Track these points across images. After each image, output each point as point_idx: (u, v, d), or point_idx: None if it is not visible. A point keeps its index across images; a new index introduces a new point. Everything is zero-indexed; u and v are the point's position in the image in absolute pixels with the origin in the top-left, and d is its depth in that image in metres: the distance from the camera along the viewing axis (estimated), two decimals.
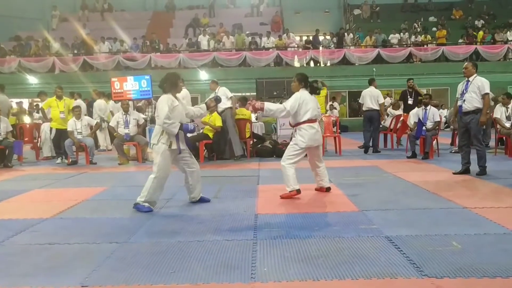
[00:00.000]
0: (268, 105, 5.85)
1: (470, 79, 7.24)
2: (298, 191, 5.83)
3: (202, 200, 5.75)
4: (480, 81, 7.14)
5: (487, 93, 7.11)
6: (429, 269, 3.25)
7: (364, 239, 4.02)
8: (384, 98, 14.82)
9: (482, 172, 7.27)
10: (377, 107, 10.95)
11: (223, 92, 10.10)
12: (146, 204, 5.34)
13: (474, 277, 3.12)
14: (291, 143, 6.05)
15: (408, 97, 11.92)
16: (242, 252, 3.74)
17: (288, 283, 3.12)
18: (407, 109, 11.62)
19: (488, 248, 3.69)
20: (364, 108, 11.14)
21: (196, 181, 5.66)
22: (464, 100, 7.20)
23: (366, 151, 10.96)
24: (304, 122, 5.78)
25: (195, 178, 5.65)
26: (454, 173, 7.49)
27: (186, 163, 5.58)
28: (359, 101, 11.51)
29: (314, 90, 6.04)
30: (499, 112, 9.82)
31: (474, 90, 7.11)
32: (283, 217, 4.93)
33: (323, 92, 11.38)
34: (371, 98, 10.95)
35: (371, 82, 11.41)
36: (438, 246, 3.76)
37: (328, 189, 6.19)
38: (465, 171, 7.44)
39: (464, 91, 7.24)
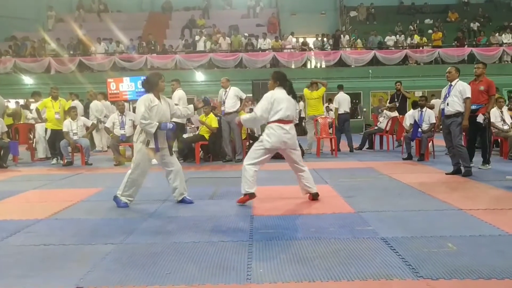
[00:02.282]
0: (244, 118, 5.75)
1: (453, 83, 7.48)
2: (251, 196, 5.52)
3: (184, 201, 5.73)
4: (461, 86, 7.37)
5: (468, 98, 7.30)
6: (424, 271, 3.26)
7: (360, 240, 4.03)
8: (386, 100, 15.09)
9: (467, 173, 7.39)
10: (348, 110, 12.06)
11: (234, 92, 10.03)
12: (124, 200, 5.56)
13: (469, 278, 3.13)
14: (256, 142, 5.74)
15: (395, 99, 12.41)
16: (238, 254, 3.74)
17: (284, 284, 3.12)
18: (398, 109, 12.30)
19: (483, 250, 3.71)
20: (340, 111, 11.88)
21: (175, 180, 5.68)
22: (447, 104, 7.41)
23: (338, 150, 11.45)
24: (274, 121, 5.46)
25: (173, 178, 5.68)
26: (446, 174, 7.65)
27: (164, 162, 5.66)
28: (334, 105, 12.34)
29: (292, 90, 5.69)
30: (493, 116, 9.82)
31: (456, 94, 7.34)
32: (279, 218, 4.93)
33: (320, 92, 11.46)
34: (344, 102, 11.89)
35: (340, 88, 12.29)
36: (433, 248, 3.77)
37: (314, 196, 5.75)
38: (457, 171, 7.58)
39: (447, 95, 7.47)
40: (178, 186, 5.72)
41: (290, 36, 22.42)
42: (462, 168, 7.52)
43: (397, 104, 12.25)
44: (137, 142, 5.51)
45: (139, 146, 5.48)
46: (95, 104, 13.12)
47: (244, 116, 5.86)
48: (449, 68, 7.68)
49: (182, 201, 5.74)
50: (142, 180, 5.63)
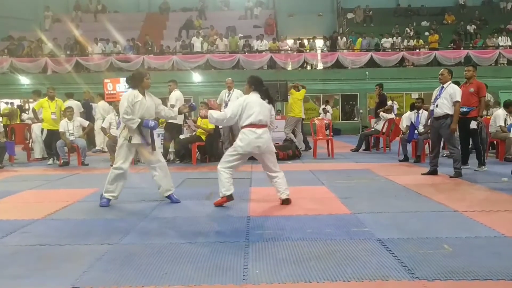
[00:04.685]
0: (212, 113, 5.72)
1: (445, 85, 7.50)
2: (229, 197, 5.52)
3: (170, 198, 5.80)
4: (452, 89, 7.38)
5: (457, 101, 7.31)
6: (420, 272, 3.27)
7: (356, 241, 4.03)
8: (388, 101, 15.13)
9: (457, 174, 7.43)
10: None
11: (237, 94, 10.02)
12: (107, 196, 5.68)
13: (465, 279, 3.14)
14: (231, 147, 5.79)
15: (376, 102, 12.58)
16: (234, 254, 3.74)
17: (280, 285, 3.12)
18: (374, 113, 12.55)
19: (479, 251, 3.72)
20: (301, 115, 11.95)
21: (158, 178, 5.73)
22: (437, 105, 7.44)
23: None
24: (246, 126, 5.44)
25: (157, 175, 5.73)
26: (422, 174, 7.77)
27: (147, 160, 5.76)
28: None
29: (268, 95, 5.65)
30: (501, 119, 9.79)
31: (446, 97, 7.36)
32: (275, 219, 4.93)
33: (301, 94, 11.54)
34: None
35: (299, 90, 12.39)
36: (429, 249, 3.78)
37: (285, 201, 5.63)
38: (433, 172, 7.70)
39: (438, 97, 7.49)
40: (163, 184, 5.76)
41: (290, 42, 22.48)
42: (447, 168, 7.53)
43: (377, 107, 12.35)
44: (120, 137, 5.65)
45: (121, 142, 5.62)
46: (102, 105, 13.11)
47: (214, 112, 5.78)
48: (441, 70, 7.71)
49: (169, 197, 5.80)
50: (125, 176, 5.71)
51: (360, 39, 21.94)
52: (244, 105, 5.47)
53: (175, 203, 5.75)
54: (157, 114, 5.84)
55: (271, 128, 5.71)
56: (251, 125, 5.43)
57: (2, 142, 9.89)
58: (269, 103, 5.61)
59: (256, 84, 5.65)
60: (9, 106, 18.47)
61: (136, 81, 5.61)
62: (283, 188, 5.64)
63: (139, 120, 5.48)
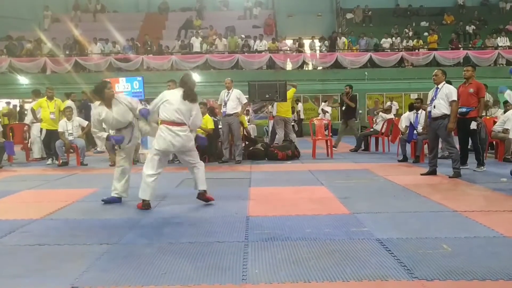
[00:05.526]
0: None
1: (439, 86, 7.53)
2: (145, 203, 5.44)
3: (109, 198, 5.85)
4: (448, 89, 7.42)
5: (454, 101, 7.34)
6: (419, 272, 3.27)
7: (355, 241, 4.03)
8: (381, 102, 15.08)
9: (456, 174, 7.44)
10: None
11: (237, 94, 9.97)
12: (112, 194, 5.86)
13: (464, 279, 3.14)
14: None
15: (343, 104, 12.41)
16: (233, 254, 3.74)
17: (279, 284, 3.12)
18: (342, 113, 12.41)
19: (478, 251, 3.73)
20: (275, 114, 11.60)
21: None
22: (434, 106, 7.46)
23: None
24: (162, 122, 5.44)
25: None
26: (421, 174, 7.77)
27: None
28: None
29: (190, 94, 5.51)
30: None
31: (442, 97, 7.39)
32: (274, 219, 4.93)
33: (289, 93, 11.45)
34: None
35: None
36: (428, 249, 3.78)
37: (199, 195, 5.68)
38: (432, 172, 7.71)
39: (434, 98, 7.52)
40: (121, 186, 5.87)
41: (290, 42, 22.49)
42: (451, 169, 7.54)
43: (343, 108, 12.25)
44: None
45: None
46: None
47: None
48: (435, 71, 7.75)
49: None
50: (126, 173, 5.88)
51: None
52: (164, 100, 5.45)
53: (114, 201, 5.81)
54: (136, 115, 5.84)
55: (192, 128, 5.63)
56: (167, 122, 5.39)
57: (1, 142, 9.87)
58: (190, 102, 5.51)
59: (181, 82, 5.64)
60: (11, 106, 18.45)
61: (98, 94, 5.67)
62: (199, 181, 5.64)
63: (106, 135, 5.72)
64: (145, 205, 5.45)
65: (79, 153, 9.96)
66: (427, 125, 7.96)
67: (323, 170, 8.62)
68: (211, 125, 10.01)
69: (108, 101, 5.62)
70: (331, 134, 12.28)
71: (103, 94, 5.60)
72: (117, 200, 5.83)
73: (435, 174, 7.67)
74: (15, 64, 20.53)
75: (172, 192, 6.48)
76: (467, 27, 23.65)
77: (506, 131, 9.40)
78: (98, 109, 5.64)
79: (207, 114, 10.11)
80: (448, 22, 24.86)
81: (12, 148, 10.27)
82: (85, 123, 10.90)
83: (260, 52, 21.32)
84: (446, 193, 6.24)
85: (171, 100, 5.43)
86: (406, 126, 10.19)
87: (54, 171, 9.24)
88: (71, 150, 10.27)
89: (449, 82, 7.80)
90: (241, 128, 10.67)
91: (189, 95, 5.51)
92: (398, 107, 19.06)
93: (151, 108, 5.62)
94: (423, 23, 24.69)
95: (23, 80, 20.49)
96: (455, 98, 7.35)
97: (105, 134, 5.68)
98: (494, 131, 9.73)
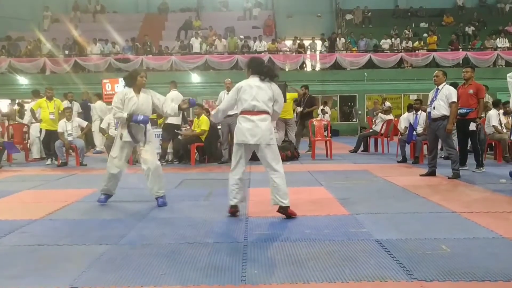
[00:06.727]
0: (212, 112, 5.74)
1: (440, 87, 7.54)
2: (233, 207, 5.13)
3: (158, 202, 5.65)
4: (447, 90, 7.43)
5: (454, 102, 7.36)
6: (418, 273, 3.27)
7: (354, 242, 4.03)
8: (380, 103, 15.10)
9: (455, 175, 7.45)
10: None
11: None
12: (102, 196, 5.79)
13: (463, 280, 3.14)
14: None
15: (302, 103, 12.05)
16: (232, 255, 3.74)
17: (278, 285, 3.12)
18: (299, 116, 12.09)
19: (477, 252, 3.73)
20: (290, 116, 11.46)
21: (148, 179, 5.64)
22: (434, 107, 7.47)
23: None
24: (241, 113, 4.93)
25: (147, 177, 5.63)
26: (420, 175, 7.77)
27: (141, 159, 5.75)
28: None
29: (269, 74, 4.96)
30: (495, 119, 9.77)
31: (442, 98, 7.41)
32: (273, 220, 4.93)
33: (291, 96, 11.43)
34: None
35: None
36: (427, 250, 3.78)
37: (282, 210, 4.97)
38: (431, 173, 7.72)
39: (434, 99, 7.53)
40: (151, 186, 5.66)
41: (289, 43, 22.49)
42: (452, 170, 7.55)
43: (302, 109, 11.91)
44: (116, 135, 5.82)
45: (116, 140, 5.76)
46: (99, 105, 13.09)
47: (214, 111, 5.69)
48: (436, 72, 7.74)
49: (157, 200, 5.68)
50: (119, 173, 5.76)
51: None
52: (241, 91, 4.87)
53: (159, 205, 5.62)
54: (159, 110, 5.84)
55: (274, 116, 5.01)
56: (245, 111, 4.84)
57: (1, 142, 9.87)
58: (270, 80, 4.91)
59: (253, 66, 5.00)
60: (15, 106, 18.43)
61: (130, 79, 5.69)
62: (280, 193, 4.88)
63: (126, 114, 5.53)
64: (233, 209, 5.17)
65: (79, 153, 9.95)
66: (427, 126, 7.97)
67: (322, 170, 8.62)
68: (204, 126, 9.83)
69: (138, 88, 5.67)
70: (330, 135, 12.29)
71: (135, 80, 5.63)
72: (109, 197, 5.85)
73: (435, 175, 7.67)
74: (14, 65, 20.54)
75: (172, 192, 6.47)
76: (467, 28, 23.69)
77: (501, 130, 9.47)
78: (126, 90, 5.67)
79: (203, 115, 10.06)
80: (448, 23, 24.90)
81: (13, 147, 10.25)
82: (84, 123, 10.91)
83: (260, 52, 21.33)
84: (446, 194, 6.24)
85: (246, 87, 4.89)
86: (405, 127, 10.19)
87: (54, 172, 9.24)
88: (71, 151, 10.28)
89: (455, 84, 7.80)
90: None
91: (270, 75, 4.98)
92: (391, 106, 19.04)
93: (224, 105, 5.18)
94: (422, 24, 24.73)
95: (22, 80, 20.51)
96: (455, 99, 7.36)
97: (125, 114, 5.52)
98: (489, 132, 9.78)
